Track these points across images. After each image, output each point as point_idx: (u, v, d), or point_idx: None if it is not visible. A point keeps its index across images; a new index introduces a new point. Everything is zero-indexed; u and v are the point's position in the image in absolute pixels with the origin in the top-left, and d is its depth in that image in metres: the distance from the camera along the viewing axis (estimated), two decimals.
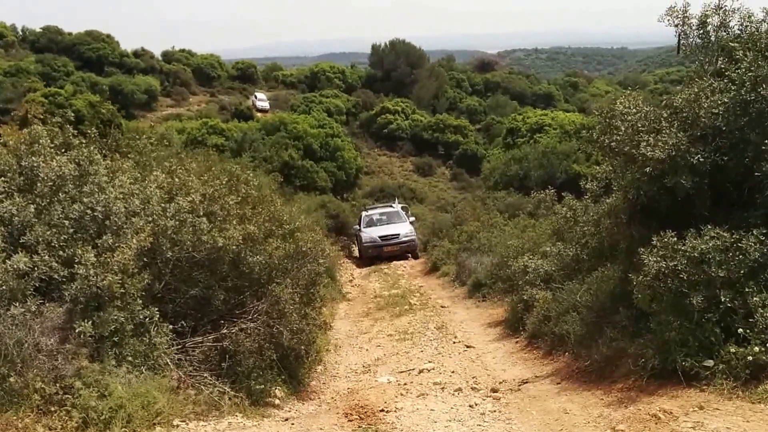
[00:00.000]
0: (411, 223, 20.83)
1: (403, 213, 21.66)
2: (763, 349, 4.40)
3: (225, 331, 5.81)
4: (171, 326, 5.29)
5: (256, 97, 57.15)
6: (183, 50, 65.51)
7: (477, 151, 49.56)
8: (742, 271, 4.72)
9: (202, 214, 6.00)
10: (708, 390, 4.49)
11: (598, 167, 8.42)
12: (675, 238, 5.00)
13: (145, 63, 58.06)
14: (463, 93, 66.25)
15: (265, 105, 55.13)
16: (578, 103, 61.75)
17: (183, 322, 5.58)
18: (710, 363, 4.60)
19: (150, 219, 5.56)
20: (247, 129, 41.15)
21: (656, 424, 4.19)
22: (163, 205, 5.81)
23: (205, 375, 5.37)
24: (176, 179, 6.27)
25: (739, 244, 4.77)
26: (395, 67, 64.41)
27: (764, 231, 4.80)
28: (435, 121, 55.19)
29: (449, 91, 64.62)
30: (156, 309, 5.11)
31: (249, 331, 5.89)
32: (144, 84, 52.56)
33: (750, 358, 4.40)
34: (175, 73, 58.69)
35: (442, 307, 11.44)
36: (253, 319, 6.06)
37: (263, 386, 5.78)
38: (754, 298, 4.60)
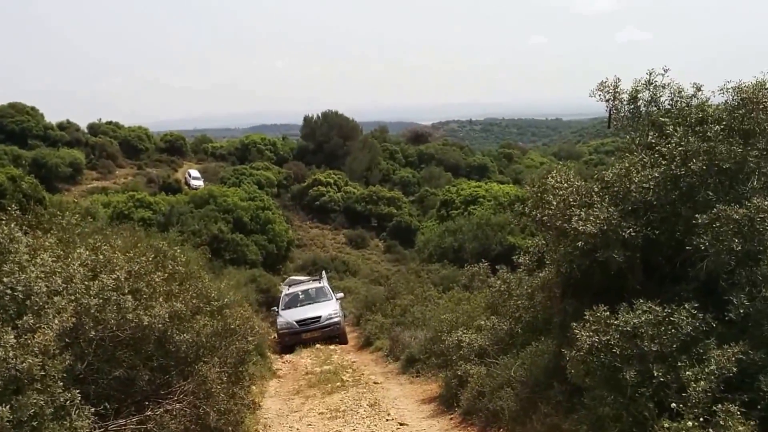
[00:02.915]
0: (339, 300, 18.97)
1: (330, 290, 19.77)
2: (696, 423, 4.50)
3: (150, 413, 5.58)
4: (93, 409, 5.04)
5: (189, 175, 56.27)
6: (110, 122, 64.89)
7: (411, 223, 50.29)
8: (674, 345, 4.86)
9: (127, 291, 5.83)
10: None
11: (531, 240, 8.65)
12: (608, 313, 5.13)
13: (70, 135, 57.09)
14: (396, 164, 67.70)
15: (200, 183, 54.06)
16: (513, 174, 64.05)
17: (106, 404, 5.34)
18: None
19: (73, 298, 5.37)
20: (175, 202, 40.63)
21: None
22: (86, 283, 5.63)
23: None
24: (100, 256, 6.11)
25: (671, 318, 4.91)
26: (328, 139, 65.45)
27: (695, 305, 4.97)
28: (368, 193, 55.93)
29: (383, 163, 65.92)
30: (78, 391, 4.86)
31: (174, 413, 5.69)
32: (69, 157, 51.41)
33: None
34: (102, 146, 57.90)
35: (375, 383, 11.34)
36: (179, 399, 5.86)
37: None
38: (687, 372, 4.71)
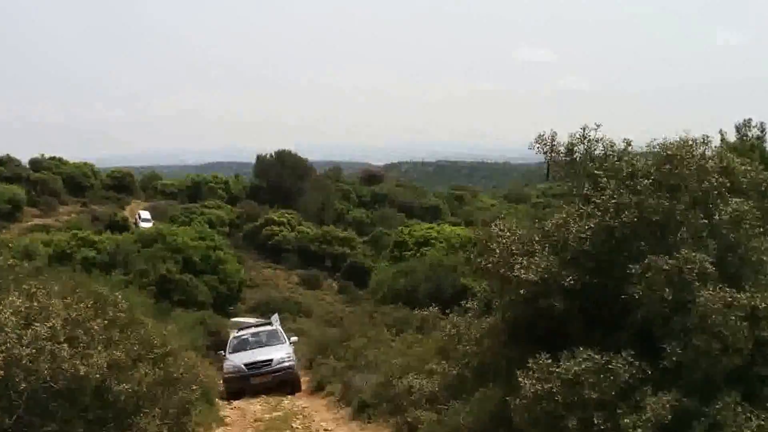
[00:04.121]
0: (293, 344, 17.88)
1: (283, 333, 18.63)
2: None
3: None
4: None
5: (139, 216, 54.78)
6: (53, 158, 63.39)
7: (364, 264, 50.27)
8: (613, 393, 4.99)
9: (63, 339, 5.69)
10: None
11: (480, 284, 8.77)
12: (550, 360, 5.26)
13: (10, 171, 55.58)
14: (350, 205, 68.01)
15: (150, 225, 52.79)
16: (464, 216, 64.90)
17: None
18: None
19: (3, 348, 5.21)
20: (121, 241, 39.63)
21: None
22: (18, 331, 5.47)
23: None
24: (35, 303, 5.96)
25: (609, 366, 5.05)
26: (281, 178, 65.47)
27: (632, 352, 5.13)
28: (322, 233, 55.89)
29: (336, 203, 66.11)
30: None
31: None
32: (8, 193, 49.91)
33: None
34: (44, 182, 56.39)
35: (325, 430, 11.23)
36: None
37: None
38: (626, 420, 4.83)
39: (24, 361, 5.32)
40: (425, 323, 13.96)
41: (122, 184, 64.64)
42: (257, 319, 25.45)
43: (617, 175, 6.22)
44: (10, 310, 5.68)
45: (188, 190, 65.85)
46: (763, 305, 5.12)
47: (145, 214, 55.10)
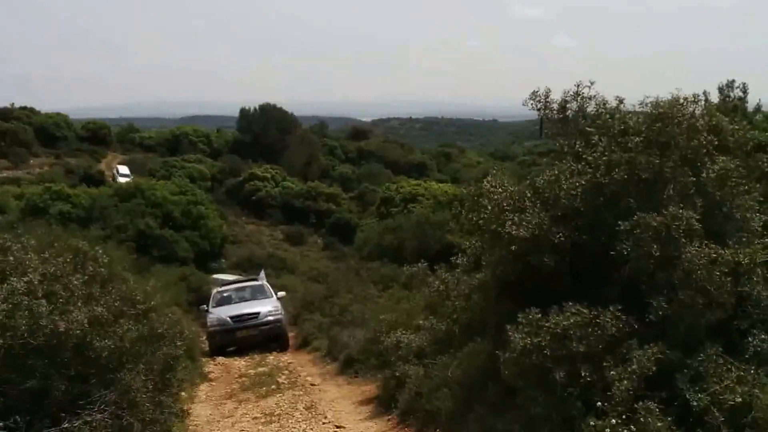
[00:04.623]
0: (280, 299, 17.37)
1: (270, 288, 18.19)
2: (619, 421, 4.79)
3: (67, 425, 5.45)
4: (2, 423, 4.90)
5: (117, 171, 54.03)
6: (24, 108, 62.11)
7: (350, 220, 50.42)
8: (600, 346, 5.15)
9: (41, 295, 5.68)
10: None
11: (469, 240, 8.87)
12: (539, 315, 5.38)
13: None
14: (336, 160, 67.76)
15: (128, 180, 52.14)
16: (451, 173, 65.05)
17: (16, 418, 5.19)
18: None
19: None
20: (97, 195, 39.20)
21: None
22: None
23: None
24: (10, 257, 5.92)
25: (597, 320, 5.20)
26: (265, 133, 64.89)
27: (619, 307, 5.27)
28: (307, 189, 55.78)
29: (322, 158, 65.84)
30: None
31: (95, 424, 5.57)
32: None
33: (608, 430, 4.77)
34: (14, 132, 55.32)
35: (312, 385, 11.40)
36: (100, 410, 5.73)
37: None
38: (612, 372, 5.01)
39: (0, 317, 5.32)
40: (413, 280, 14.12)
41: (97, 136, 63.74)
42: (238, 277, 25.39)
43: (609, 132, 6.31)
44: None
45: (168, 144, 65.12)
46: (746, 261, 5.28)
47: (123, 169, 54.40)
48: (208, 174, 56.93)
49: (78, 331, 5.66)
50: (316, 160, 64.46)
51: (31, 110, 62.33)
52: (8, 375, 5.38)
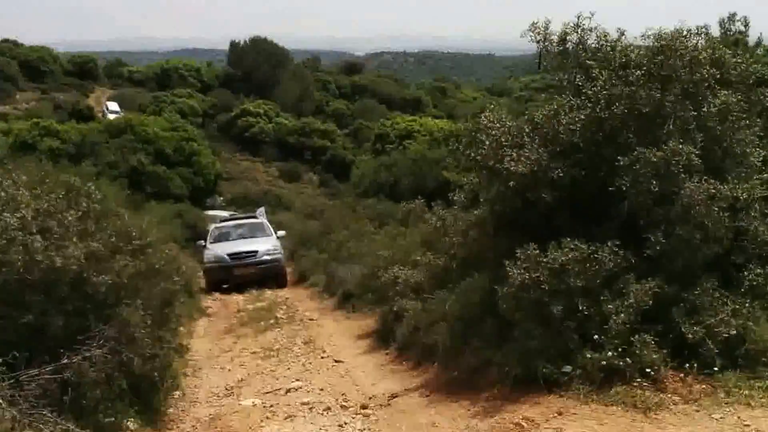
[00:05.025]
0: (280, 238, 17.25)
1: (269, 226, 18.10)
2: (615, 353, 4.93)
3: (66, 360, 5.51)
4: (0, 359, 4.95)
5: (107, 108, 53.03)
6: (7, 40, 60.58)
7: (345, 157, 50.21)
8: (597, 281, 5.24)
9: (35, 231, 5.66)
10: (567, 395, 4.94)
11: (466, 177, 8.86)
12: (537, 251, 5.43)
13: None
14: (329, 96, 66.94)
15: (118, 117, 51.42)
16: (447, 108, 64.44)
17: (15, 353, 5.23)
18: (568, 369, 5.06)
19: None
20: (87, 131, 38.74)
21: None
22: None
23: (44, 412, 5.04)
24: (2, 193, 5.87)
25: (595, 255, 5.27)
26: (256, 67, 63.79)
27: (617, 242, 5.34)
28: (301, 125, 55.27)
29: (315, 94, 64.98)
30: None
31: (94, 360, 5.62)
32: None
33: (604, 362, 4.91)
34: None
35: (310, 320, 11.54)
36: (99, 345, 5.79)
37: (113, 419, 5.56)
38: (608, 306, 5.12)
39: None
40: (409, 216, 14.18)
41: (84, 71, 62.52)
42: (233, 213, 25.31)
43: (610, 65, 6.23)
44: None
45: (157, 78, 64.03)
46: (744, 196, 5.34)
47: (113, 105, 53.51)
48: (199, 109, 56.26)
49: (74, 267, 5.65)
50: (309, 95, 63.60)
51: (14, 43, 60.85)
52: (5, 311, 5.40)
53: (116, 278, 6.09)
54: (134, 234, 7.11)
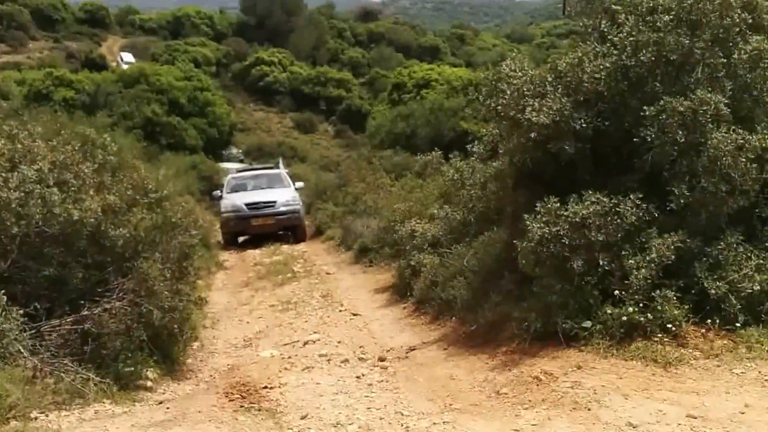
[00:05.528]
0: (298, 189, 16.89)
1: (287, 177, 17.73)
2: (636, 309, 4.93)
3: (86, 312, 5.62)
4: (22, 310, 5.05)
5: (122, 59, 52.78)
6: None
7: (361, 107, 49.77)
8: (619, 235, 5.20)
9: (52, 183, 5.70)
10: (586, 350, 4.98)
11: (485, 127, 8.75)
12: (558, 204, 5.39)
13: None
14: (345, 44, 65.94)
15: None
16: (465, 56, 63.34)
17: (36, 305, 5.34)
18: (588, 324, 5.08)
19: None
20: (101, 81, 38.64)
21: (537, 385, 4.60)
22: (4, 174, 5.48)
23: (65, 361, 5.18)
24: (18, 145, 5.90)
25: (617, 209, 5.21)
26: (270, 14, 62.85)
27: (640, 195, 5.26)
28: (316, 74, 54.69)
29: (330, 42, 64.07)
30: (2, 291, 4.86)
31: (114, 311, 5.73)
32: None
33: (624, 318, 4.92)
34: (10, 15, 53.65)
35: (327, 273, 11.57)
36: (119, 298, 5.89)
37: (133, 369, 5.68)
38: (630, 261, 5.09)
39: (13, 205, 5.35)
40: (426, 168, 14.11)
41: (96, 19, 61.93)
42: (244, 166, 25.23)
43: (637, 10, 6.06)
44: None
45: (169, 26, 63.39)
46: None
47: (128, 57, 53.11)
48: (212, 58, 55.77)
49: (92, 220, 5.71)
50: (324, 43, 62.74)
51: None
52: (26, 263, 5.48)
53: (133, 231, 6.14)
54: (150, 187, 7.14)
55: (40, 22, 56.76)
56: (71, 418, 4.52)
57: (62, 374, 5.03)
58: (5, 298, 4.86)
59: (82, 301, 5.66)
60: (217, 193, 17.11)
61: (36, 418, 4.35)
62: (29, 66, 44.84)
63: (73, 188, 5.92)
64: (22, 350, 4.91)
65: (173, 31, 62.18)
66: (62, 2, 61.08)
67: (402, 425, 4.25)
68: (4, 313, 4.85)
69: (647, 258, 5.05)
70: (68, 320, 5.51)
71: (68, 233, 5.68)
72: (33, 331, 5.18)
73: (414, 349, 6.57)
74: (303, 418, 4.56)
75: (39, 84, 36.62)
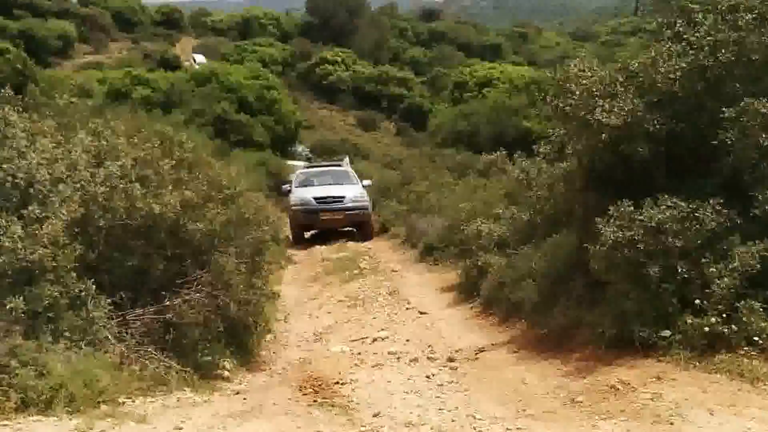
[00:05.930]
0: (366, 187, 16.55)
1: (354, 174, 17.36)
2: (719, 319, 4.67)
3: (167, 302, 5.75)
4: (109, 299, 5.20)
5: (194, 60, 54.13)
6: None
7: (423, 106, 49.61)
8: (698, 242, 4.96)
9: (134, 179, 5.86)
10: (665, 360, 4.75)
11: (551, 127, 8.53)
12: (631, 208, 5.18)
13: (58, 5, 54.69)
14: (406, 43, 65.90)
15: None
16: (528, 55, 62.33)
17: (121, 294, 5.50)
18: (667, 333, 4.85)
19: (78, 186, 5.41)
20: (174, 80, 39.67)
21: (615, 395, 4.41)
22: (90, 170, 5.65)
23: (149, 349, 5.33)
24: (103, 142, 6.07)
25: (696, 214, 4.98)
26: (334, 14, 63.33)
27: (720, 200, 5.02)
28: (378, 73, 54.83)
29: (392, 41, 64.09)
30: (91, 281, 5.01)
31: (192, 303, 5.86)
32: (58, 29, 49.70)
33: (707, 328, 4.66)
34: (93, 17, 55.80)
35: (393, 271, 11.49)
36: (197, 290, 6.01)
37: (211, 358, 5.82)
38: (711, 269, 4.84)
39: (99, 199, 5.52)
40: (490, 167, 13.93)
41: (171, 21, 63.80)
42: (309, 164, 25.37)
43: (716, 8, 5.81)
44: (81, 148, 5.82)
45: (238, 27, 64.68)
46: None
47: (200, 58, 54.32)
48: (278, 58, 56.56)
49: (171, 214, 5.84)
50: (386, 42, 62.81)
51: None
52: (111, 253, 5.64)
53: (209, 226, 6.25)
54: (224, 183, 7.25)
55: (120, 23, 58.80)
56: (156, 404, 4.63)
57: (147, 362, 5.17)
58: (94, 287, 5.02)
59: (164, 292, 5.81)
60: (286, 187, 17.03)
61: (123, 403, 4.47)
62: (110, 66, 46.50)
63: (153, 184, 6.08)
64: (109, 337, 5.06)
65: (242, 31, 63.40)
66: (139, 5, 63.10)
67: (475, 429, 4.14)
68: (93, 301, 5.01)
69: (730, 266, 4.79)
70: (151, 310, 5.67)
71: (149, 226, 5.84)
72: (119, 319, 5.35)
73: (483, 351, 6.46)
74: (375, 415, 4.51)
75: (118, 83, 37.83)
